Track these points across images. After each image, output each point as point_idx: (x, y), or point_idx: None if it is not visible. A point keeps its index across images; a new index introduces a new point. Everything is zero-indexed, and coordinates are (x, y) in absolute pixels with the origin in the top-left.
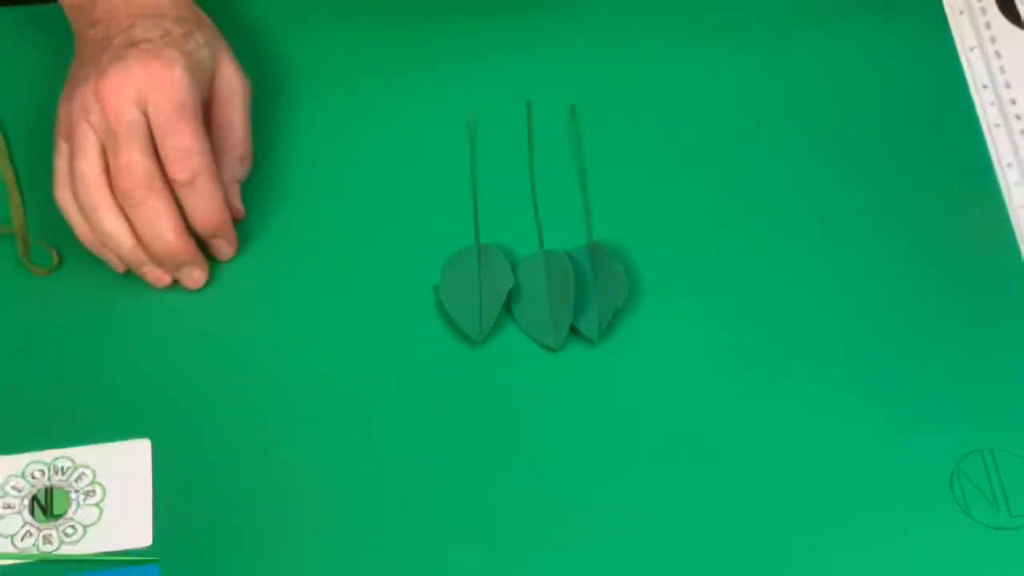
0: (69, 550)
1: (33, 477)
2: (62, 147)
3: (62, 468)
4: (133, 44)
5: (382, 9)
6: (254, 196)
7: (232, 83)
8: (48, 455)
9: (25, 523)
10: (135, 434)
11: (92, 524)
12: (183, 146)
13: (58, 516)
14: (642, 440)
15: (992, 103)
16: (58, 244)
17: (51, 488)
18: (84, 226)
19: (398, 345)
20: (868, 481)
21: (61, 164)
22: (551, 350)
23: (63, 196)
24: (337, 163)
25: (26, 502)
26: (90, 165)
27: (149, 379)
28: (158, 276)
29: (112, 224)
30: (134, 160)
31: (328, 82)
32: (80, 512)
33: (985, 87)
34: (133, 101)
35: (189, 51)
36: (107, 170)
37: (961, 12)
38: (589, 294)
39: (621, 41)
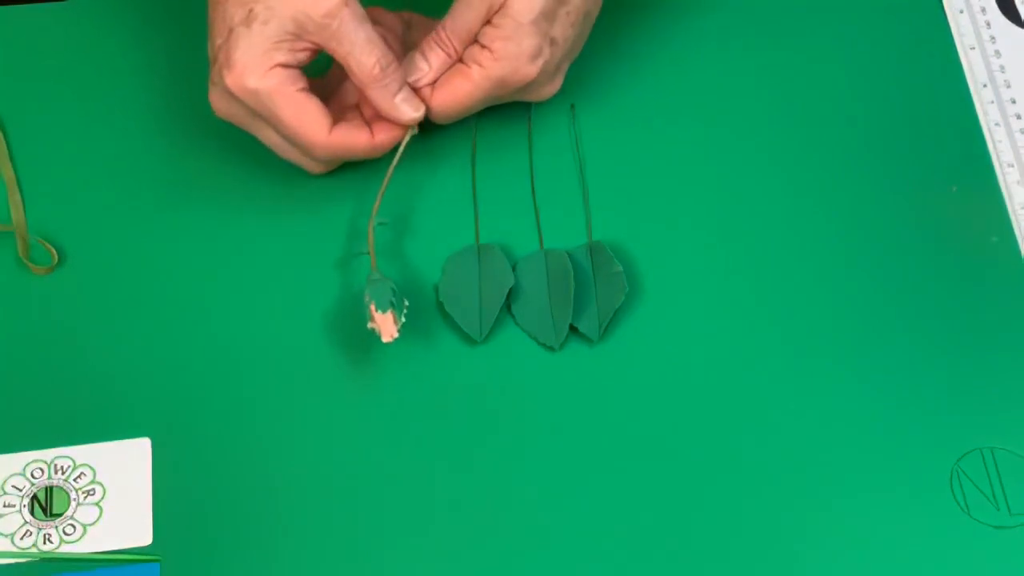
0: (69, 549)
1: (33, 476)
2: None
3: (62, 467)
4: None
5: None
6: (254, 195)
7: None
8: (48, 454)
9: (25, 522)
10: (135, 433)
11: (92, 523)
12: None
13: (58, 515)
14: (642, 440)
15: (992, 102)
16: (58, 243)
17: (51, 487)
18: None
19: (398, 344)
20: (868, 480)
21: None
22: (551, 350)
23: None
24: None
25: (26, 501)
26: None
27: (149, 378)
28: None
29: None
30: None
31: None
32: (80, 511)
33: (985, 87)
34: None
35: None
36: None
37: (961, 11)
38: (589, 294)
39: (621, 40)
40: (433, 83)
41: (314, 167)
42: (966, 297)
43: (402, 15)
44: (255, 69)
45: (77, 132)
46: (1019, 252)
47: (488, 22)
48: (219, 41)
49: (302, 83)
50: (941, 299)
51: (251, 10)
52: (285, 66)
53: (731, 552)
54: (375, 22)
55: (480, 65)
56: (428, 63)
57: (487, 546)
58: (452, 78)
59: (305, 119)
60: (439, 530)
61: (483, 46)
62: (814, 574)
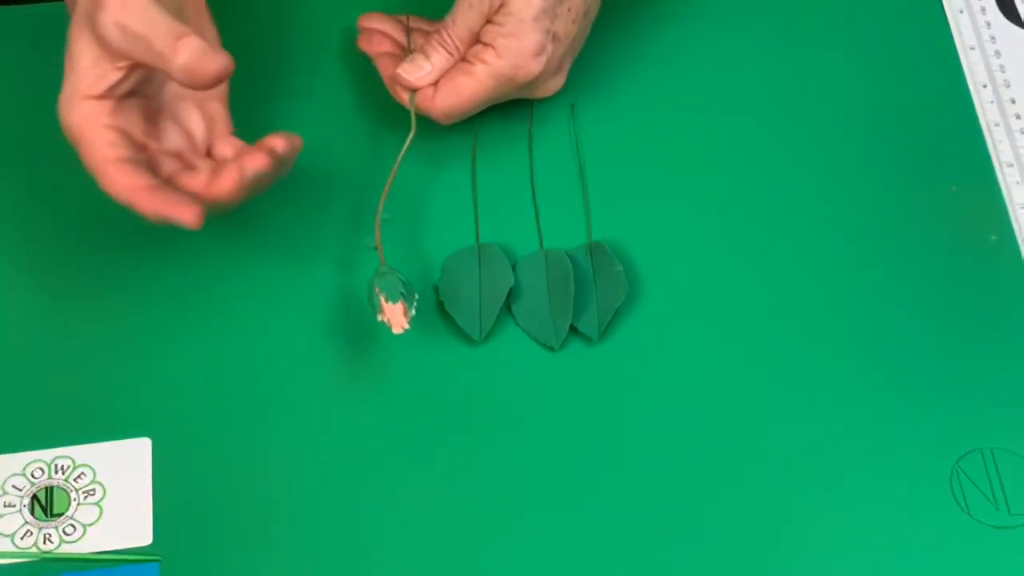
0: (69, 549)
1: (33, 476)
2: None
3: (62, 467)
4: None
5: (386, 8)
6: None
7: None
8: (48, 454)
9: (25, 522)
10: (135, 433)
11: (92, 523)
12: None
13: (58, 515)
14: (642, 440)
15: (992, 102)
16: (60, 243)
17: (51, 487)
18: None
19: (398, 344)
20: (868, 480)
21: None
22: (551, 349)
23: None
24: (337, 162)
25: (26, 501)
26: None
27: (149, 378)
28: None
29: None
30: None
31: (327, 80)
32: (80, 511)
33: (985, 86)
34: None
35: None
36: None
37: (961, 11)
38: (589, 294)
39: (621, 41)
40: (436, 83)
41: None
42: (966, 297)
43: (402, 19)
44: None
45: None
46: (1019, 252)
47: (489, 21)
48: None
49: None
50: (941, 299)
51: None
52: None
53: (731, 551)
54: (375, 29)
55: (484, 62)
56: (431, 63)
57: (487, 546)
58: (456, 76)
59: None
60: (439, 530)
61: (486, 44)
62: (814, 573)
